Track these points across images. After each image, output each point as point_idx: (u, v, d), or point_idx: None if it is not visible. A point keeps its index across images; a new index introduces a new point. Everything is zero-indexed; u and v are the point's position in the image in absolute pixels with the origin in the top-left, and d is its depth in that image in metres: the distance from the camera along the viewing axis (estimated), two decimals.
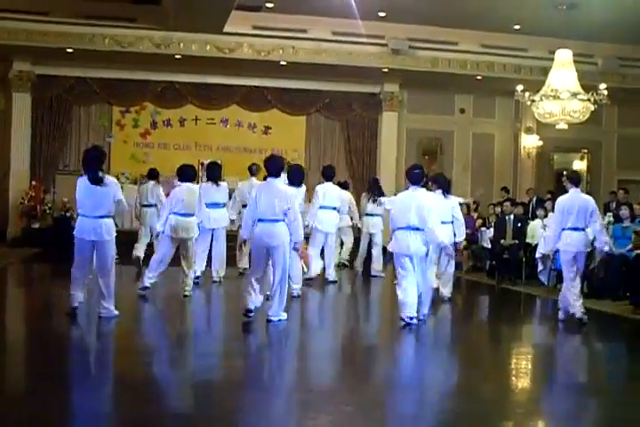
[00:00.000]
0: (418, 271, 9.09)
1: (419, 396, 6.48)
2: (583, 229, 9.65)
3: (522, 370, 7.67)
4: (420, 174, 9.20)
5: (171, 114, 20.18)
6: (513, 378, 7.20)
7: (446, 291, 11.31)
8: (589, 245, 9.91)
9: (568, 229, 9.60)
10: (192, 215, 10.78)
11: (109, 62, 18.43)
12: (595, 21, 16.77)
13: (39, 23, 16.99)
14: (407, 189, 9.26)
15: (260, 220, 8.85)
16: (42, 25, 16.99)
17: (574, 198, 9.71)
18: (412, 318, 8.90)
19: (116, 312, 8.94)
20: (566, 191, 9.93)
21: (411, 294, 8.94)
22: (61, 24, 17.05)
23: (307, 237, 11.35)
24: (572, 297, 9.56)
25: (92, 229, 8.72)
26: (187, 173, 11.00)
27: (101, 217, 8.74)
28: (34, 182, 18.41)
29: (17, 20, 16.89)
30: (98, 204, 8.73)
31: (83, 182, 8.75)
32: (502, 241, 14.00)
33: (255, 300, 8.99)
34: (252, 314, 8.96)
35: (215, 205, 12.19)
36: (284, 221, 8.88)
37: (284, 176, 9.44)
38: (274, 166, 9.10)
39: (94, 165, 8.77)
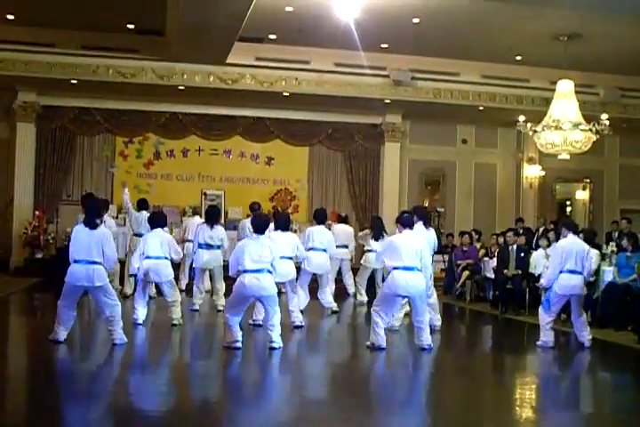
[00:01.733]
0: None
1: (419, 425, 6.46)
2: (580, 273, 10.11)
3: (526, 400, 7.61)
4: (412, 218, 9.77)
5: (174, 144, 20.22)
6: (517, 408, 7.16)
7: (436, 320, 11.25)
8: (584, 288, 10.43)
9: (566, 272, 10.05)
10: (164, 258, 11.00)
11: (113, 93, 18.55)
12: (595, 52, 16.88)
13: (44, 54, 17.10)
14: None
15: (247, 270, 8.97)
16: (46, 56, 17.11)
17: (574, 243, 10.25)
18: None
19: (125, 339, 9.15)
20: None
21: None
22: (66, 55, 17.16)
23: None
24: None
25: (85, 275, 8.85)
26: (157, 221, 11.36)
27: (93, 263, 8.87)
28: (37, 212, 18.41)
29: (22, 51, 17.00)
30: (91, 248, 8.87)
31: (79, 228, 9.01)
32: (505, 271, 13.99)
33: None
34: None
35: (209, 246, 12.74)
36: (270, 272, 9.13)
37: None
38: (260, 224, 9.43)
39: (93, 212, 9.13)
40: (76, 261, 8.85)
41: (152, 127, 19.96)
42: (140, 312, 10.96)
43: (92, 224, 8.90)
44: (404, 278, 9.20)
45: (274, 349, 9.08)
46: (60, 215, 18.60)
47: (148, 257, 10.84)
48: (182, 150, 20.25)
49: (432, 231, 11.15)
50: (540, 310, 10.33)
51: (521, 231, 17.34)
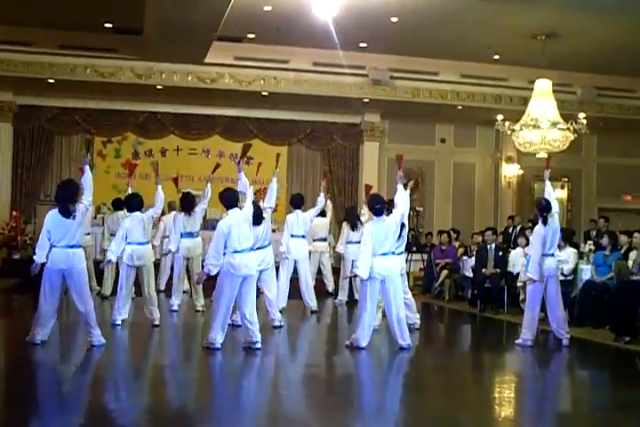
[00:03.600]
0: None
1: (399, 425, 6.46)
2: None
3: (505, 399, 7.64)
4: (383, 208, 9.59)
5: (152, 144, 20.14)
6: (496, 407, 7.18)
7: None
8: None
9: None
10: (146, 243, 11.04)
11: (91, 93, 18.45)
12: (573, 52, 16.96)
13: (20, 53, 16.96)
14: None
15: (237, 251, 8.96)
16: (23, 55, 16.97)
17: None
18: None
19: (103, 340, 9.08)
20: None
21: None
22: (43, 54, 17.04)
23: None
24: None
25: (63, 259, 8.84)
26: (134, 204, 11.29)
27: (72, 246, 8.86)
28: (14, 213, 18.30)
29: None
30: (68, 234, 8.82)
31: (54, 214, 8.83)
32: (484, 270, 14.03)
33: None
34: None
35: (189, 234, 12.81)
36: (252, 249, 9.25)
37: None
38: (229, 200, 9.28)
39: (66, 198, 8.85)
40: (54, 246, 8.80)
41: (130, 127, 19.88)
42: (123, 310, 10.93)
43: (66, 213, 8.75)
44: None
45: (258, 349, 9.05)
46: (38, 216, 18.40)
47: (129, 243, 10.76)
48: (161, 150, 20.18)
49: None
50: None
51: (510, 230, 17.49)
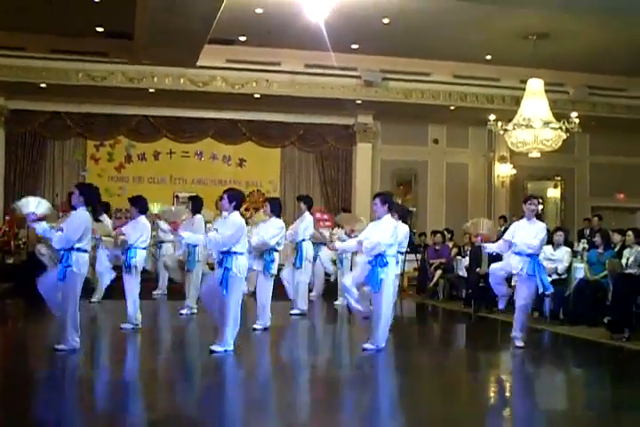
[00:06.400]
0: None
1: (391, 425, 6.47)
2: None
3: (499, 398, 7.65)
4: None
5: (145, 147, 20.17)
6: (490, 406, 7.18)
7: None
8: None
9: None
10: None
11: (83, 97, 18.44)
12: (564, 51, 17.00)
13: (12, 58, 16.99)
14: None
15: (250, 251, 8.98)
16: (15, 60, 17.00)
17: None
18: None
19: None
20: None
21: None
22: (35, 59, 17.07)
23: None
24: None
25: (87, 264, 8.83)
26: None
27: (86, 251, 8.82)
28: (7, 217, 18.27)
29: None
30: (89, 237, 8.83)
31: (87, 216, 8.70)
32: (478, 269, 14.04)
33: None
34: None
35: None
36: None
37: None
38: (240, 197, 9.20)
39: (98, 202, 8.95)
40: (85, 251, 8.68)
41: (123, 130, 19.90)
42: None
43: (97, 216, 8.81)
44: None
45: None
46: None
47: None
48: (154, 153, 20.20)
49: None
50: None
51: (502, 229, 17.46)
